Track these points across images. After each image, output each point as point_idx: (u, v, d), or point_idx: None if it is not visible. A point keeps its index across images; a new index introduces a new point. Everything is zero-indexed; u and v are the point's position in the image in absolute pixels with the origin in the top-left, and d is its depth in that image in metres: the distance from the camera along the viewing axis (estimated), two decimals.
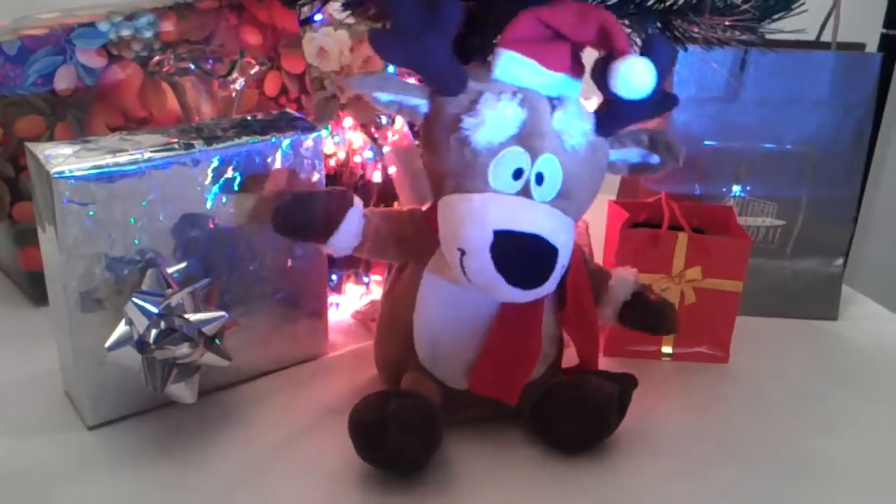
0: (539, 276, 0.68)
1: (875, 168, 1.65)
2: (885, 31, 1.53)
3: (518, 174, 0.70)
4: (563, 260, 0.69)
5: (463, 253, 0.67)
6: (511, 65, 0.71)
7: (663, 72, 0.70)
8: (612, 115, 0.73)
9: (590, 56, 0.73)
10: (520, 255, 0.67)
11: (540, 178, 0.70)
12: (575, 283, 0.76)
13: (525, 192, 0.70)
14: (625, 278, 0.80)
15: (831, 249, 1.02)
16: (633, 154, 0.76)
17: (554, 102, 0.71)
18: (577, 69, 0.73)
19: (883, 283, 1.79)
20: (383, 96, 0.71)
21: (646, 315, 0.80)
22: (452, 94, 0.71)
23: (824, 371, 0.92)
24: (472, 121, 0.69)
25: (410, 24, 0.66)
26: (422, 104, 0.72)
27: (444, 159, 0.71)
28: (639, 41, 0.77)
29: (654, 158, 0.76)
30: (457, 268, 0.68)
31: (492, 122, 0.69)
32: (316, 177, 0.81)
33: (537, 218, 0.69)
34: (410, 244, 0.77)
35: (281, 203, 0.75)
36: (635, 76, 0.68)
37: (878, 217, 1.78)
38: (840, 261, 1.02)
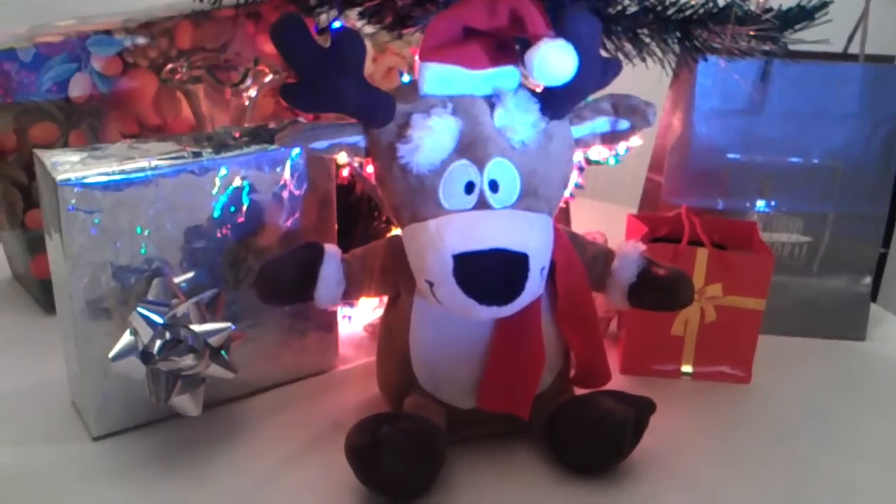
0: (510, 289, 0.65)
1: None
2: None
3: (470, 188, 0.67)
4: (538, 262, 0.66)
5: (431, 283, 0.66)
6: (437, 76, 0.69)
7: (586, 47, 0.66)
8: (554, 99, 0.69)
9: None
10: (485, 274, 0.65)
11: (494, 186, 0.68)
12: (565, 277, 0.72)
13: (482, 204, 0.68)
14: (628, 257, 0.75)
15: (859, 267, 0.99)
16: (600, 124, 0.73)
17: (492, 100, 0.69)
18: (506, 59, 0.70)
19: None
20: (320, 144, 0.70)
21: (654, 294, 0.74)
22: (382, 125, 0.69)
23: (850, 392, 0.89)
24: (406, 147, 0.67)
25: (316, 72, 0.64)
26: (359, 139, 0.70)
27: (393, 190, 0.69)
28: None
29: (623, 124, 0.72)
30: (430, 297, 0.67)
31: (427, 142, 0.66)
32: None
33: (496, 230, 0.66)
34: (394, 274, 0.73)
35: (256, 276, 0.74)
36: (550, 63, 0.64)
37: None
38: (868, 279, 0.99)
